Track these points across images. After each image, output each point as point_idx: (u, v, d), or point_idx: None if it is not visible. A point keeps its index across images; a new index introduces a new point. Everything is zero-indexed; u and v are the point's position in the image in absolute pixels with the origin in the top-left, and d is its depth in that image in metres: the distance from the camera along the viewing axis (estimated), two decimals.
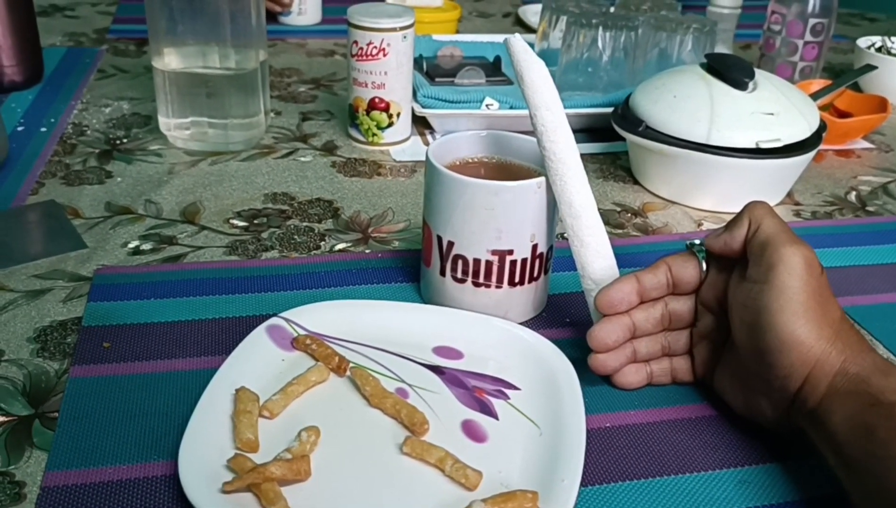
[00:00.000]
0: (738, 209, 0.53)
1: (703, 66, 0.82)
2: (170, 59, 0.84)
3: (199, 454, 0.46)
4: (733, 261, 0.52)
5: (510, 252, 0.58)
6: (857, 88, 1.09)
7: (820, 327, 0.46)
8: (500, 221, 0.57)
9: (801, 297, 0.47)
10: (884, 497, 0.41)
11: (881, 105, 0.98)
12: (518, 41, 0.56)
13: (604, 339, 0.53)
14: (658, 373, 0.56)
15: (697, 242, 0.55)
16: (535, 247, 0.59)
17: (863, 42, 1.14)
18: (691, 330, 0.56)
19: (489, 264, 0.58)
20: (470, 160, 0.63)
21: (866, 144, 0.99)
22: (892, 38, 1.15)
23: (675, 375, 0.56)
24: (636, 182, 0.86)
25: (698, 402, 0.55)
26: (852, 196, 0.86)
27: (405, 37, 0.85)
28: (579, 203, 0.56)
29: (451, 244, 0.59)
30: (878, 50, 1.13)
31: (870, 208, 0.84)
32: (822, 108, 0.92)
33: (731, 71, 0.79)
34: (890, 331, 0.63)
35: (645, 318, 0.54)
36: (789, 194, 0.85)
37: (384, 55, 0.84)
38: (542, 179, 0.56)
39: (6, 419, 0.50)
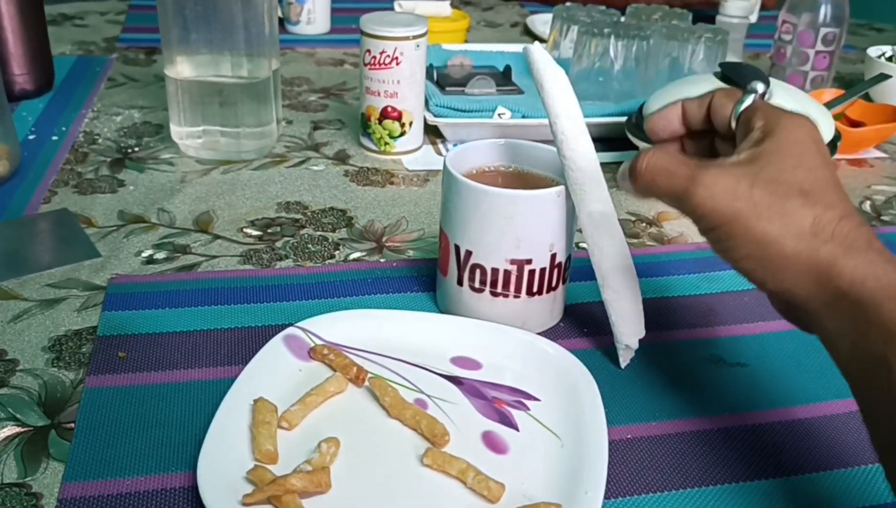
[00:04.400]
0: None
1: (717, 74, 0.82)
2: (182, 68, 0.83)
3: (218, 465, 0.45)
4: None
5: (529, 261, 0.57)
6: (867, 97, 1.09)
7: None
8: (518, 230, 0.56)
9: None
10: None
11: (892, 114, 0.98)
12: (538, 49, 0.56)
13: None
14: None
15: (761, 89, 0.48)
16: (553, 256, 0.58)
17: (873, 52, 1.14)
18: None
19: (507, 273, 0.58)
20: (487, 169, 0.63)
21: (879, 154, 0.99)
22: None
23: None
24: None
25: (721, 414, 0.54)
26: (867, 205, 0.86)
27: (418, 45, 0.84)
28: (599, 212, 0.55)
29: (469, 254, 0.58)
30: (889, 59, 1.13)
31: (885, 218, 0.84)
32: (834, 117, 0.92)
33: (746, 79, 0.78)
34: None
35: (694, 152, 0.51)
36: None
37: (397, 64, 0.84)
38: (562, 187, 0.56)
39: (22, 430, 0.50)
